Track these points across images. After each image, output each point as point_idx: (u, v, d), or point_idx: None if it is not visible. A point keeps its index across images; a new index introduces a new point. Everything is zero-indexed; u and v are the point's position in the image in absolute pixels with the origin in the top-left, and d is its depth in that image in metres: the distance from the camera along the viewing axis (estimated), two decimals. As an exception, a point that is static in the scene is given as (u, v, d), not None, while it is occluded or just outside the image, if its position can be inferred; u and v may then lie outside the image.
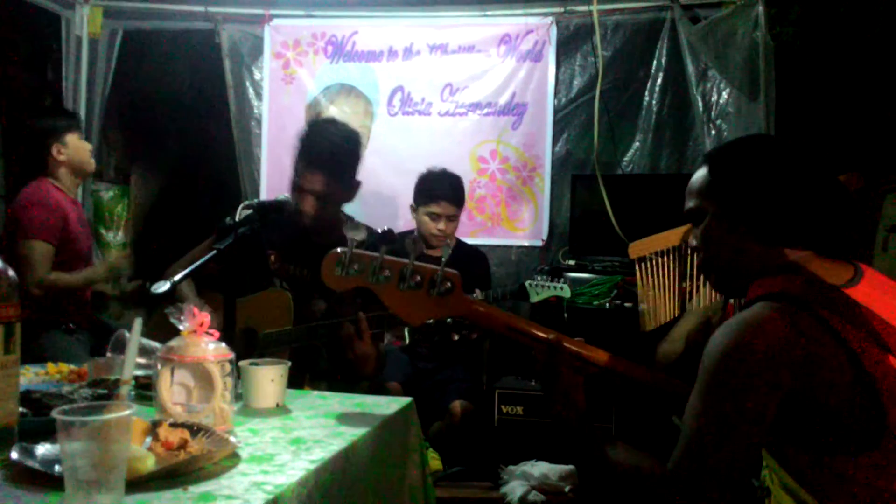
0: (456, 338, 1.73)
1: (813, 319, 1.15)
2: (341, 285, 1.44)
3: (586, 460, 1.34)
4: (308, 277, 2.34)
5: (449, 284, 1.39)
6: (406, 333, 1.91)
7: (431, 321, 1.76)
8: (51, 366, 1.82)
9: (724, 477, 1.14)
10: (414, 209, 3.44)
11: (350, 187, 2.36)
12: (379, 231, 1.55)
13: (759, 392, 1.13)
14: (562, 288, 3.37)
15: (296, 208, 2.23)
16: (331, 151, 2.28)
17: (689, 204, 1.37)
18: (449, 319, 1.74)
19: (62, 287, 3.05)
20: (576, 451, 1.36)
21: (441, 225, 3.32)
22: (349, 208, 2.48)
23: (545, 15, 4.07)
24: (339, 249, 1.44)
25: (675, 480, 1.16)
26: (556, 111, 4.11)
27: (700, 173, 1.37)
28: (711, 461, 1.14)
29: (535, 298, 3.34)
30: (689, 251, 2.64)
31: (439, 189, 3.33)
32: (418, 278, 1.39)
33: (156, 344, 1.64)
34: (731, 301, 2.26)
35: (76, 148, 3.20)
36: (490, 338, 3.58)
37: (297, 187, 2.29)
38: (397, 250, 1.43)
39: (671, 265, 2.58)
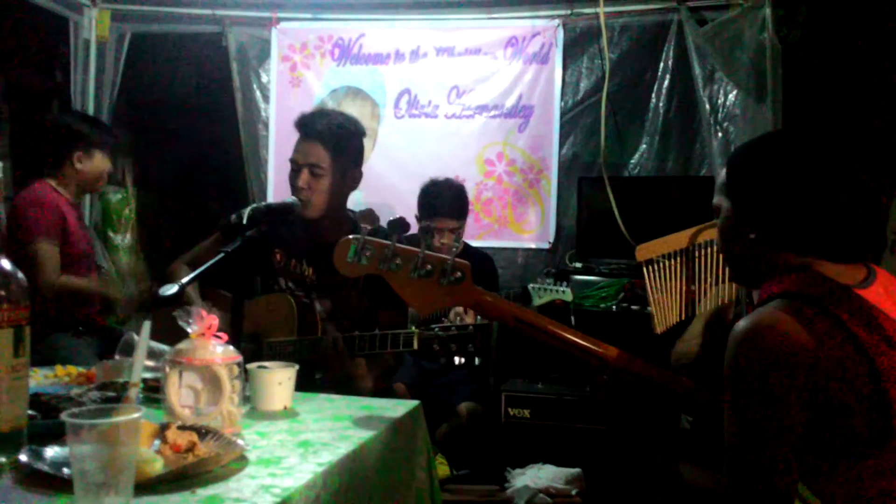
0: (462, 361, 1.75)
1: (827, 319, 1.15)
2: (354, 272, 1.45)
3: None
4: (313, 277, 2.34)
5: (459, 274, 1.40)
6: (414, 340, 1.91)
7: (436, 346, 1.77)
8: (59, 368, 1.83)
9: (777, 483, 1.13)
10: (419, 220, 3.45)
11: (348, 166, 2.30)
12: (390, 220, 1.55)
13: (785, 393, 1.12)
14: (563, 291, 3.37)
15: (299, 201, 2.22)
16: (326, 124, 2.26)
17: (714, 199, 1.40)
18: (453, 346, 1.75)
19: (73, 290, 3.05)
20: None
21: (444, 238, 3.32)
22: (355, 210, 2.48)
23: (552, 17, 4.07)
24: (351, 236, 1.45)
25: (732, 496, 1.16)
26: (562, 113, 4.10)
27: (723, 170, 1.39)
28: (759, 472, 1.13)
29: (537, 302, 3.34)
30: (697, 253, 2.63)
31: (439, 204, 3.32)
32: (429, 267, 1.40)
33: (164, 347, 1.64)
34: (744, 301, 2.25)
35: (98, 164, 3.15)
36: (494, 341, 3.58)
37: (293, 164, 2.27)
38: (407, 240, 1.44)
39: (679, 268, 2.57)
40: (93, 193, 3.39)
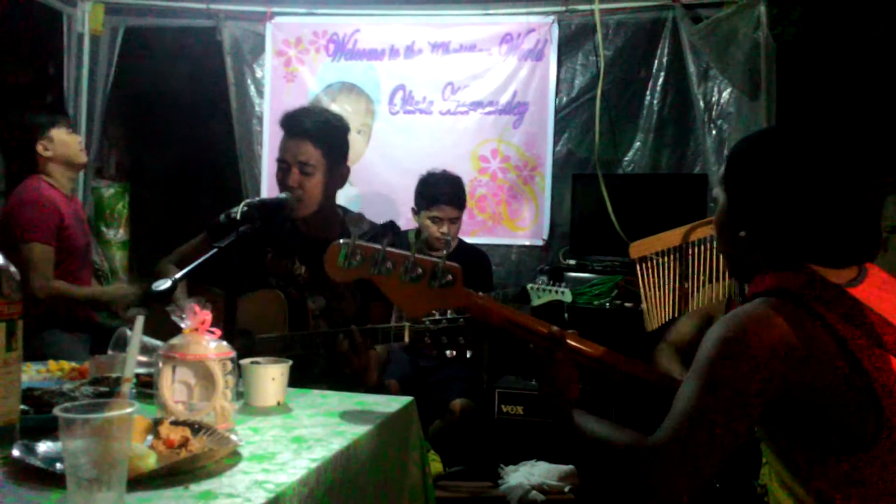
0: (453, 354, 1.75)
1: (811, 317, 1.16)
2: (344, 277, 1.45)
3: (578, 442, 1.34)
4: (305, 275, 2.33)
5: (450, 277, 1.40)
6: (405, 333, 1.91)
7: (428, 339, 1.77)
8: (52, 363, 1.82)
9: (700, 462, 1.14)
10: (416, 212, 3.44)
11: (337, 162, 2.31)
12: (381, 223, 1.54)
13: (750, 386, 1.13)
14: (563, 293, 3.36)
15: (290, 198, 2.22)
16: (314, 121, 2.27)
17: (713, 190, 1.41)
18: (444, 338, 1.75)
19: (65, 296, 3.04)
20: (569, 434, 1.36)
21: (444, 228, 3.31)
22: (348, 207, 2.47)
23: (547, 14, 4.07)
24: (341, 241, 1.45)
25: (655, 456, 1.16)
26: (557, 110, 4.10)
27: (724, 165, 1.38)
28: (692, 445, 1.14)
29: (536, 302, 3.33)
30: (690, 251, 2.64)
31: (440, 193, 3.32)
32: (419, 270, 1.40)
33: (157, 342, 1.64)
34: (736, 299, 2.26)
35: (63, 142, 3.14)
36: (490, 341, 3.58)
37: (282, 164, 2.27)
38: (398, 243, 1.44)
39: (672, 265, 2.57)
40: (80, 171, 3.39)
